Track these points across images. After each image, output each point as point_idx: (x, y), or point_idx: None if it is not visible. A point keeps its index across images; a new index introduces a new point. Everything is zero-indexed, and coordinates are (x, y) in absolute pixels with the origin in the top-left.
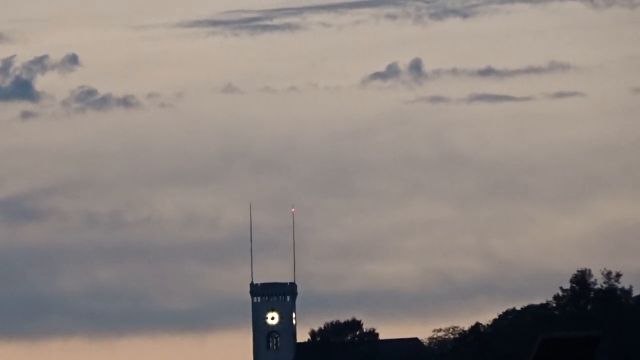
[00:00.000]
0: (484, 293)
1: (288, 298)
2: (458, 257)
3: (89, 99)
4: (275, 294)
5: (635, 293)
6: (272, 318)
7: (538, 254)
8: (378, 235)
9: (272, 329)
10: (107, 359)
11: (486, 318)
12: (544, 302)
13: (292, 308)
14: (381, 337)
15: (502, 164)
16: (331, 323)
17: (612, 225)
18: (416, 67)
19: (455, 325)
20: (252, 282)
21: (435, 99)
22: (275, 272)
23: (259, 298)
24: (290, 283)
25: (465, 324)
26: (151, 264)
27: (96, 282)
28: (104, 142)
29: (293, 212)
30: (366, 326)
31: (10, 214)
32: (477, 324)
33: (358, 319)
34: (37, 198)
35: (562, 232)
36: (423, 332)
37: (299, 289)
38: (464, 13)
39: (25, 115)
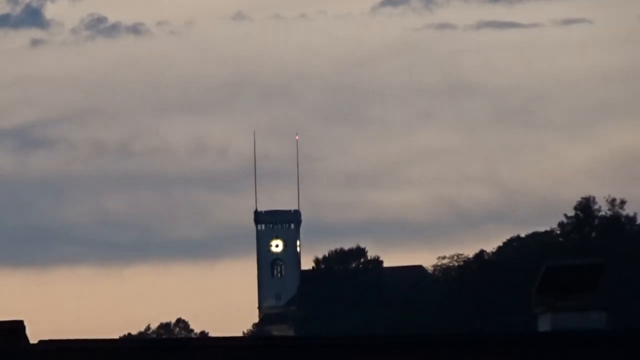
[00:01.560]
0: (492, 221)
1: (292, 226)
2: (466, 185)
3: (98, 27)
4: (280, 222)
5: (639, 220)
6: (277, 246)
7: (546, 181)
8: (385, 164)
9: (277, 257)
10: (115, 286)
11: (494, 246)
12: (549, 229)
13: (297, 236)
14: (386, 264)
15: (510, 91)
16: (335, 251)
17: (620, 153)
18: None
19: (462, 253)
20: (256, 209)
21: (443, 26)
22: (281, 200)
23: (263, 226)
24: (295, 211)
25: (472, 252)
26: (160, 193)
27: (105, 210)
28: (113, 71)
29: (297, 140)
30: (371, 254)
31: (19, 142)
32: (482, 252)
33: (363, 246)
34: (46, 126)
35: (570, 159)
36: (430, 260)
37: (303, 217)
38: None
39: (35, 43)
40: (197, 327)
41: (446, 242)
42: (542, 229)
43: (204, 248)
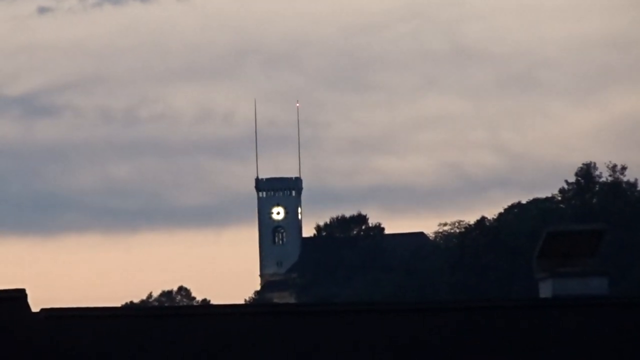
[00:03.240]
0: (497, 187)
1: (293, 193)
2: (471, 151)
3: None
4: (281, 189)
5: None
6: (278, 213)
7: (551, 147)
8: (390, 130)
9: (278, 224)
10: (122, 254)
11: (497, 212)
12: (550, 195)
13: (298, 203)
14: (390, 231)
15: (515, 57)
16: (336, 218)
17: (623, 119)
18: None
19: (466, 219)
20: (257, 177)
21: None
22: (283, 167)
23: (264, 193)
24: (296, 178)
25: (477, 218)
26: (165, 160)
27: (111, 177)
28: (119, 37)
29: (298, 107)
30: (375, 220)
31: (25, 109)
32: (483, 218)
33: (365, 213)
34: (52, 94)
35: (575, 125)
36: (434, 226)
37: (305, 184)
38: None
39: (42, 10)
40: (198, 295)
41: (451, 208)
42: (543, 195)
43: (207, 215)
